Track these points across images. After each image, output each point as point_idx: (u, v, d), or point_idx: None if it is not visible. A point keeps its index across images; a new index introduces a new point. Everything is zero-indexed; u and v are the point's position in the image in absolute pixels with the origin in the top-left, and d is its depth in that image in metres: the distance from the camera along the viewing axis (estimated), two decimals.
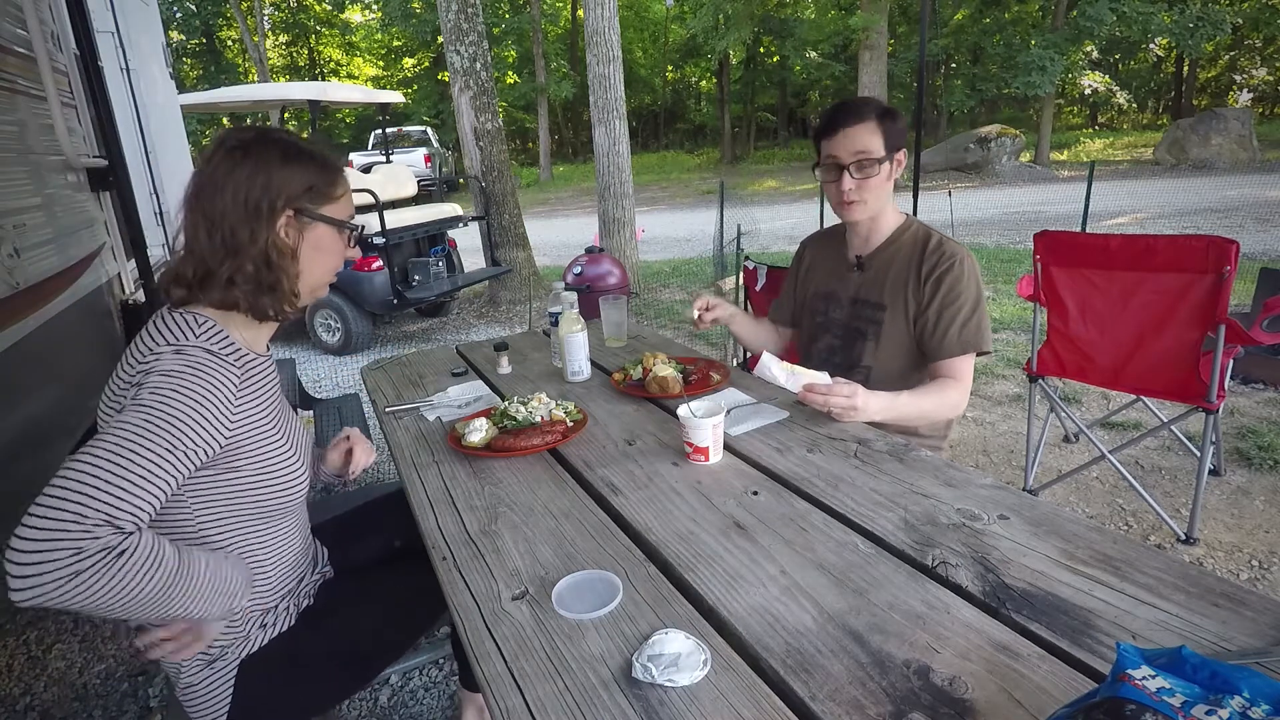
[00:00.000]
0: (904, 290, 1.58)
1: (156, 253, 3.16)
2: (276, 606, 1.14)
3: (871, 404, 1.38)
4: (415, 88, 24.60)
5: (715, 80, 25.93)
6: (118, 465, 0.83)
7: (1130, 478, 2.40)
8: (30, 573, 0.75)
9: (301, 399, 3.40)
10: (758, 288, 2.89)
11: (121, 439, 0.85)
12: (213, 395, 0.95)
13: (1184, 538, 2.27)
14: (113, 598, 0.80)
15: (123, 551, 0.81)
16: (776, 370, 1.43)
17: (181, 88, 6.09)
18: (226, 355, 1.01)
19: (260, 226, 1.02)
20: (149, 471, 0.86)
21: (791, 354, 1.89)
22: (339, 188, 1.11)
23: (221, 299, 1.03)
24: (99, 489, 0.81)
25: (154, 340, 0.99)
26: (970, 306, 1.52)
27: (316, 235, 1.09)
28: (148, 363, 0.96)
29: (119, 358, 1.02)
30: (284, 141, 1.06)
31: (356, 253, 1.18)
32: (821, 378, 1.40)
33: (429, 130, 20.05)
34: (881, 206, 1.59)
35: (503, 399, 1.62)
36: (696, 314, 1.76)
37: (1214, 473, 2.65)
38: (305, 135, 1.21)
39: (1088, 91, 19.58)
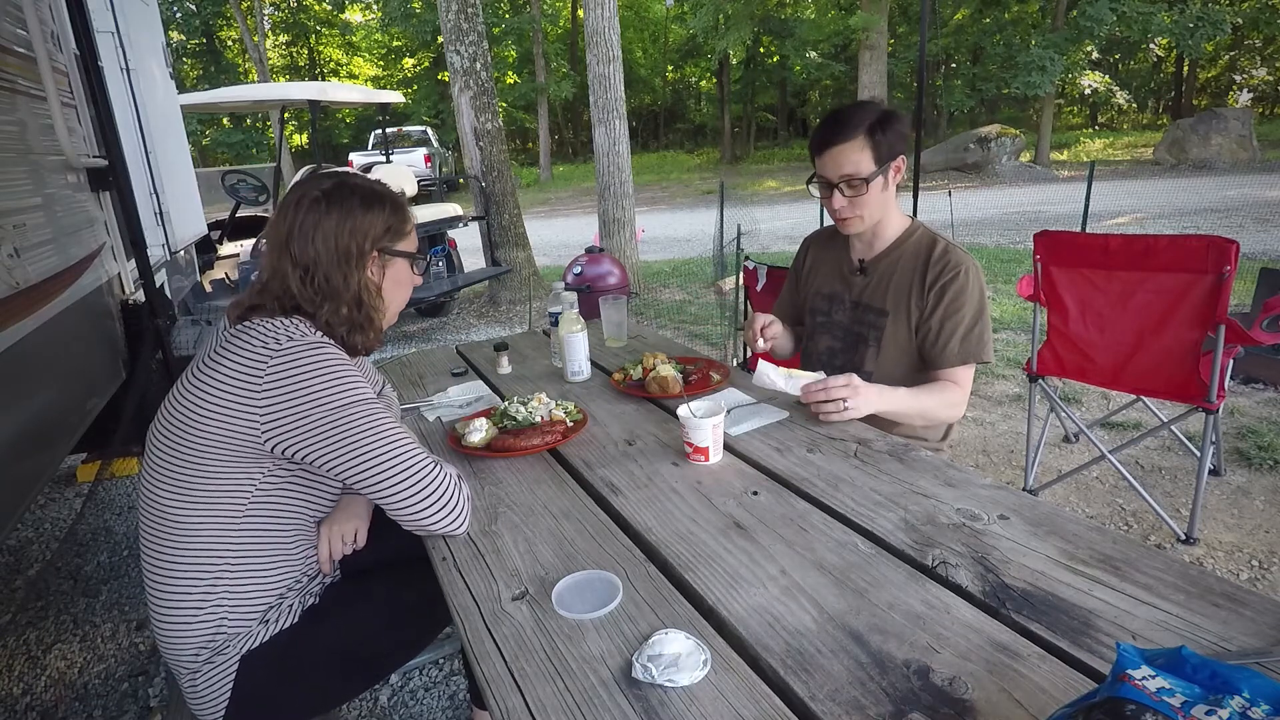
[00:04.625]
0: (907, 298, 1.57)
1: (156, 253, 3.16)
2: (280, 603, 1.14)
3: (871, 393, 1.39)
4: (415, 88, 24.58)
5: (715, 80, 25.92)
6: (396, 445, 1.06)
7: (1130, 478, 2.40)
8: (453, 526, 1.10)
9: None
10: (758, 288, 2.89)
11: (382, 442, 1.05)
12: (361, 376, 1.09)
13: (1184, 538, 2.27)
14: None
15: (459, 475, 1.13)
16: (774, 376, 1.43)
17: (181, 88, 6.09)
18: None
19: (353, 270, 1.13)
20: (406, 438, 1.08)
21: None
22: (409, 223, 1.23)
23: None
24: (411, 463, 1.06)
25: (275, 334, 1.05)
26: (972, 317, 1.51)
27: (395, 270, 1.21)
28: (288, 356, 1.03)
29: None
30: (361, 188, 1.16)
31: (420, 280, 1.29)
32: (817, 378, 1.40)
33: (429, 130, 20.04)
34: (880, 216, 1.57)
35: (503, 399, 1.62)
36: (757, 337, 1.66)
37: (1214, 473, 2.65)
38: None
39: (1087, 91, 19.57)
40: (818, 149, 1.52)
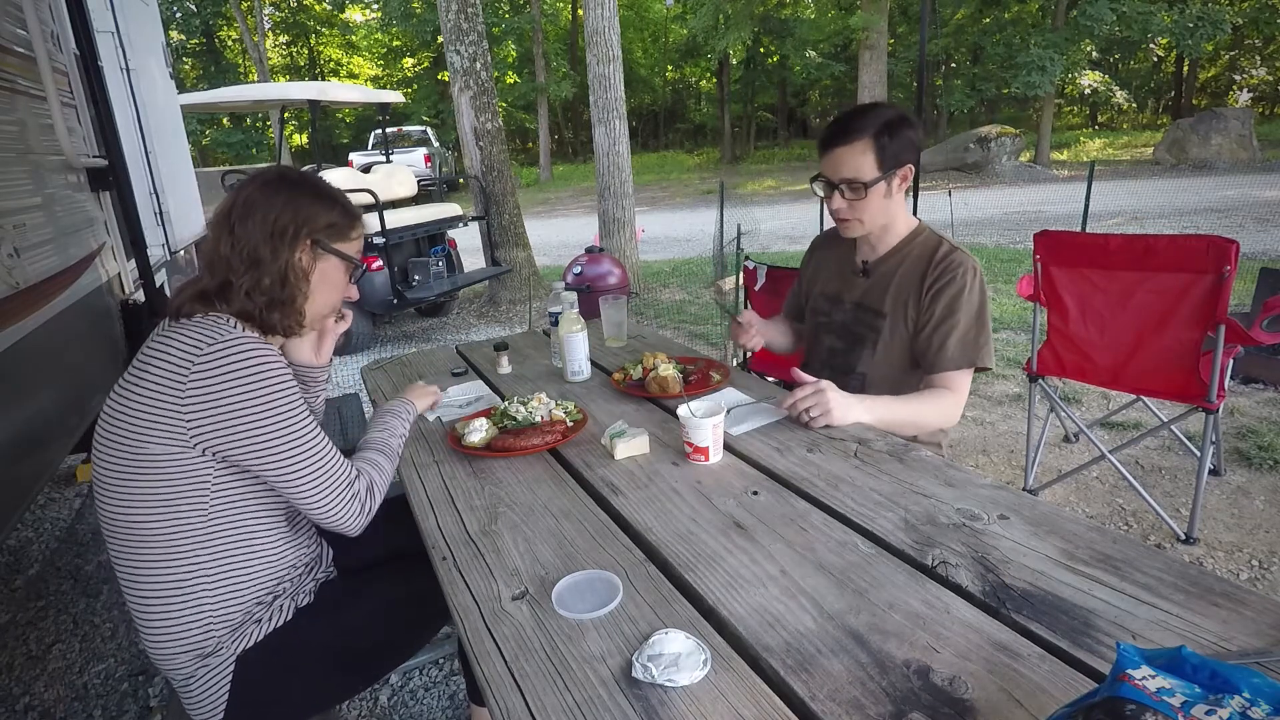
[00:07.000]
0: (906, 301, 1.55)
1: (156, 253, 3.17)
2: (272, 601, 1.14)
3: (848, 403, 1.38)
4: (415, 88, 24.58)
5: (715, 80, 25.93)
6: (319, 454, 1.08)
7: (1130, 478, 2.40)
8: (356, 528, 1.13)
9: None
10: (757, 288, 2.89)
11: (299, 441, 1.06)
12: (286, 373, 1.08)
13: (1184, 538, 2.27)
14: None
15: (371, 485, 1.16)
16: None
17: (181, 88, 6.10)
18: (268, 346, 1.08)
19: (281, 247, 1.13)
20: (322, 439, 1.10)
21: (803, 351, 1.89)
22: (355, 231, 1.24)
23: (239, 309, 1.11)
24: (331, 473, 1.09)
25: (197, 339, 1.03)
26: (970, 321, 1.48)
27: (327, 267, 1.20)
28: (211, 360, 1.01)
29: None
30: (318, 184, 1.20)
31: (354, 292, 1.29)
32: (774, 410, 1.43)
33: (429, 130, 20.04)
34: (885, 222, 1.56)
35: (503, 399, 1.62)
36: (744, 341, 1.76)
37: (1214, 473, 2.65)
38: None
39: (1087, 91, 19.55)
40: (823, 148, 1.51)
